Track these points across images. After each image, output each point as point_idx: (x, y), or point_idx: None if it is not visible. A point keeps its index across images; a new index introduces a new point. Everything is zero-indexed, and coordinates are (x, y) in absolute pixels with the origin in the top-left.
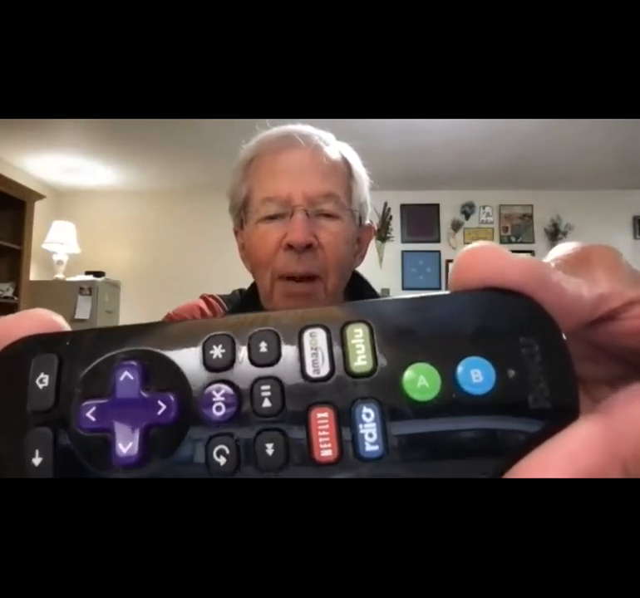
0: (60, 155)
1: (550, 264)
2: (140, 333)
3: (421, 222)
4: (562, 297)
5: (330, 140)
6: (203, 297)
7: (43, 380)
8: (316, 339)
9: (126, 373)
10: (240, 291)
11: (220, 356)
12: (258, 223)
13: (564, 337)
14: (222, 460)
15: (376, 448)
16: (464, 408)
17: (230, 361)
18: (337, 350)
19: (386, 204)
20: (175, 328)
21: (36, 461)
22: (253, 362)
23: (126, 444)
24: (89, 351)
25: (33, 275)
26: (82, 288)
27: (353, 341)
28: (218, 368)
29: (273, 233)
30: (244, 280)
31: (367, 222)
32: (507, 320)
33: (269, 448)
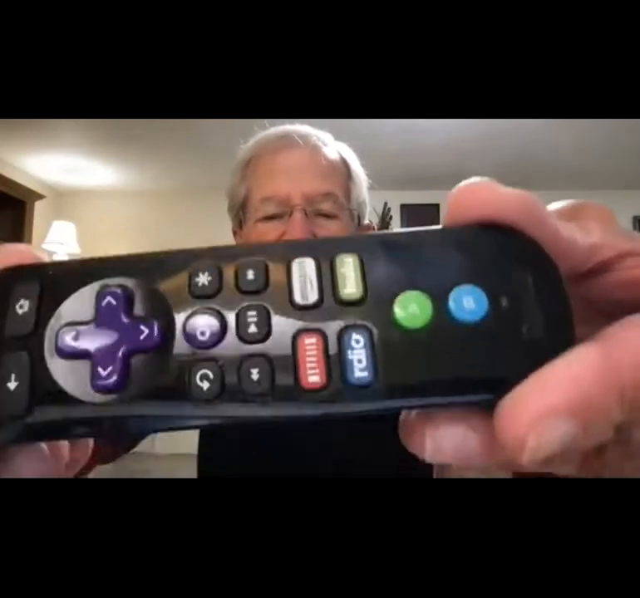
0: (60, 155)
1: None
2: (126, 262)
3: (421, 222)
4: (556, 238)
5: (328, 140)
6: None
7: (23, 306)
8: (304, 267)
9: (109, 298)
10: None
11: (206, 283)
12: (257, 223)
13: (558, 268)
14: (205, 385)
15: (365, 374)
16: (456, 335)
17: (216, 289)
18: (326, 278)
19: (386, 204)
20: (162, 257)
21: (11, 385)
22: (239, 289)
23: (106, 368)
24: (72, 279)
25: None
26: None
27: (343, 270)
28: (203, 295)
29: (271, 233)
30: None
31: (366, 221)
32: (500, 252)
33: (254, 374)
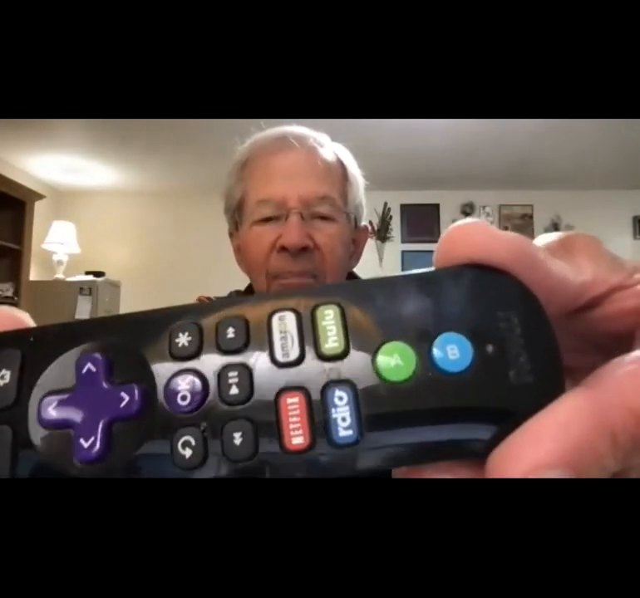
0: (60, 155)
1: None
2: (105, 325)
3: (421, 222)
4: (547, 278)
5: (325, 142)
6: (200, 299)
7: (5, 377)
8: (285, 322)
9: (89, 365)
10: (237, 292)
11: (186, 344)
12: (253, 226)
13: (545, 310)
14: (187, 452)
15: (349, 432)
16: (441, 386)
17: (197, 349)
18: (307, 333)
19: (386, 204)
20: (141, 318)
21: None
22: (220, 349)
23: (88, 439)
24: (53, 346)
25: (33, 275)
26: (82, 288)
27: (324, 323)
28: (184, 357)
29: (267, 236)
30: (244, 281)
31: (363, 223)
32: (484, 295)
33: (237, 438)
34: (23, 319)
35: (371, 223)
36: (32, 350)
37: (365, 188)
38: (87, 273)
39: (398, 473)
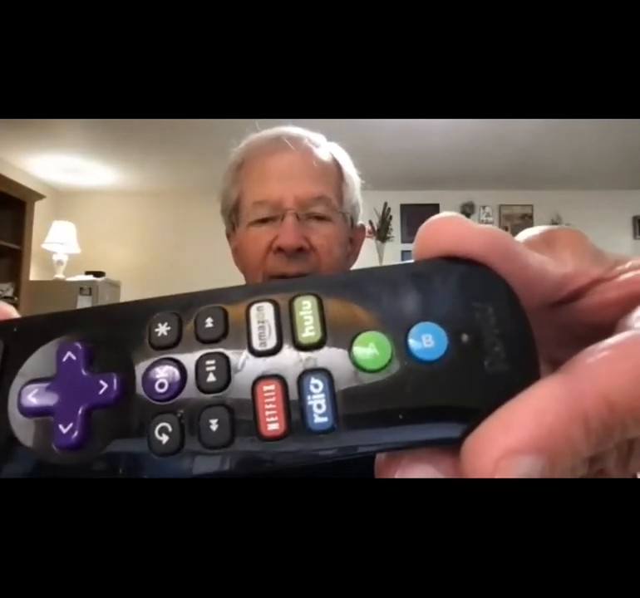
0: (60, 155)
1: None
2: (87, 316)
3: (421, 222)
4: (525, 270)
5: (320, 142)
6: None
7: None
8: (263, 313)
9: (69, 354)
10: None
11: (166, 334)
12: (250, 227)
13: (520, 301)
14: (164, 438)
15: (324, 419)
16: (417, 374)
17: (176, 339)
18: (285, 322)
19: (386, 204)
20: (122, 310)
21: None
22: (198, 339)
23: (67, 425)
24: (35, 337)
25: (33, 275)
26: (82, 288)
27: (301, 313)
28: (163, 346)
29: (263, 237)
30: (244, 281)
31: (359, 223)
32: (460, 286)
33: (214, 424)
34: (9, 312)
35: (371, 222)
36: (15, 340)
37: (364, 187)
38: (87, 273)
39: (378, 460)
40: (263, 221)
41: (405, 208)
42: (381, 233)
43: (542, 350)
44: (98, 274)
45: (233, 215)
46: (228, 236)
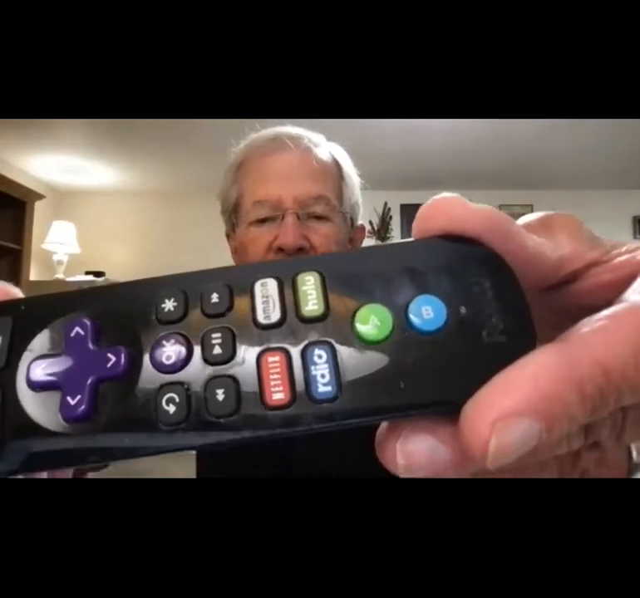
0: (60, 155)
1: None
2: (94, 294)
3: None
4: (522, 250)
5: (320, 141)
6: None
7: None
8: (267, 288)
9: (77, 329)
10: None
11: (172, 309)
12: (249, 227)
13: (516, 276)
14: (171, 408)
15: (329, 388)
16: (417, 345)
17: (182, 314)
18: (288, 297)
19: (386, 204)
20: (129, 287)
21: None
22: (204, 313)
23: (75, 397)
24: (44, 314)
25: (33, 275)
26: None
27: (304, 288)
28: (169, 321)
29: (263, 237)
30: None
31: (360, 223)
32: (458, 263)
33: (220, 394)
34: (15, 292)
35: (371, 222)
36: (24, 317)
37: (364, 187)
38: (87, 273)
39: (379, 432)
40: (263, 221)
41: (405, 208)
42: (381, 233)
43: (538, 333)
44: (98, 274)
45: (232, 215)
46: (227, 236)
